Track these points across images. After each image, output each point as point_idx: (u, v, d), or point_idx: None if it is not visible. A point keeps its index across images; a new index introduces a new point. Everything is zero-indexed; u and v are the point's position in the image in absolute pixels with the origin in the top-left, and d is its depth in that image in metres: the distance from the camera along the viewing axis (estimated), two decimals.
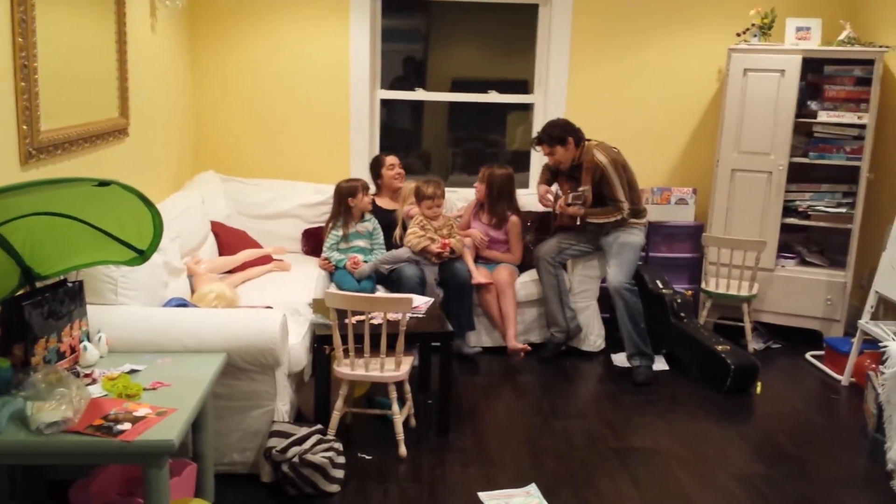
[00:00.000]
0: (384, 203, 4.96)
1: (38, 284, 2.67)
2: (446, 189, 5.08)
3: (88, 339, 2.82)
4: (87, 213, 2.61)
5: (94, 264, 2.91)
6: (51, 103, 3.10)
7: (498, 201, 4.86)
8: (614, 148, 4.59)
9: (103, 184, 2.39)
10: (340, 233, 4.66)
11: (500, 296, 4.66)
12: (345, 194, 4.66)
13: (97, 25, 3.63)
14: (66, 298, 2.70)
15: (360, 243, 4.67)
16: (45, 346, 2.60)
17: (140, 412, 2.40)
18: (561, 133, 4.53)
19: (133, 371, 2.74)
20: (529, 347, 4.66)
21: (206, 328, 3.03)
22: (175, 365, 2.81)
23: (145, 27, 4.29)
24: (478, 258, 4.84)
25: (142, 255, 2.85)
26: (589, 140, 4.61)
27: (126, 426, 2.31)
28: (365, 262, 4.57)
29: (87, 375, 2.67)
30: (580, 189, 4.49)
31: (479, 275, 4.63)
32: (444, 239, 4.55)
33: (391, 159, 4.99)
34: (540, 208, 5.05)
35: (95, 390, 2.55)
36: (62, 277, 2.76)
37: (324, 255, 4.68)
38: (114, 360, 2.81)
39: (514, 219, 4.91)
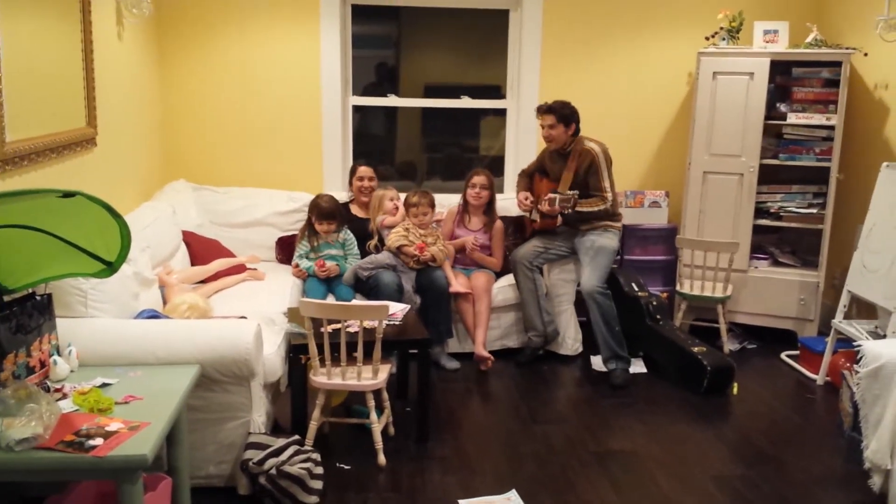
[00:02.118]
0: (357, 211, 4.93)
1: (6, 298, 2.61)
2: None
3: (58, 353, 2.77)
4: (53, 225, 2.56)
5: (63, 277, 2.86)
6: (16, 114, 3.04)
7: (493, 203, 4.91)
8: (604, 143, 4.63)
9: (68, 195, 2.35)
10: (308, 246, 4.64)
11: (476, 302, 4.64)
12: (310, 211, 4.67)
13: (62, 34, 3.57)
14: (34, 312, 2.65)
15: (332, 252, 4.64)
16: (14, 362, 2.54)
17: (112, 427, 2.36)
18: (570, 114, 4.56)
19: (105, 385, 2.69)
20: (493, 359, 4.62)
21: (178, 340, 2.98)
22: (147, 378, 2.77)
23: (112, 35, 4.23)
24: (456, 263, 4.83)
25: (110, 267, 2.79)
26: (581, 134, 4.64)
27: (98, 441, 2.27)
28: (337, 265, 4.55)
29: (57, 390, 2.62)
30: (568, 192, 4.48)
31: (458, 284, 4.61)
32: (423, 244, 4.53)
33: (363, 171, 4.91)
34: (515, 212, 5.07)
35: (66, 405, 2.50)
36: (30, 291, 2.70)
37: (294, 261, 4.67)
38: (85, 374, 2.76)
39: (499, 222, 4.93)
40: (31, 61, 3.22)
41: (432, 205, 4.65)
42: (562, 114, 4.56)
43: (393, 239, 4.55)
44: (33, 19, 3.27)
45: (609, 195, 4.53)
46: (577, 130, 4.60)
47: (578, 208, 4.52)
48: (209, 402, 3.07)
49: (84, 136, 3.79)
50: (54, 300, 2.79)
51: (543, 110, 4.62)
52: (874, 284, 4.15)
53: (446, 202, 5.04)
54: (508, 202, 5.18)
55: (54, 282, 2.87)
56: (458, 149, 5.96)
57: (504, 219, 5.05)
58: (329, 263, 4.54)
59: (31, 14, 3.25)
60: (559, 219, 4.65)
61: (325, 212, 4.59)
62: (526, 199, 4.80)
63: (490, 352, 4.64)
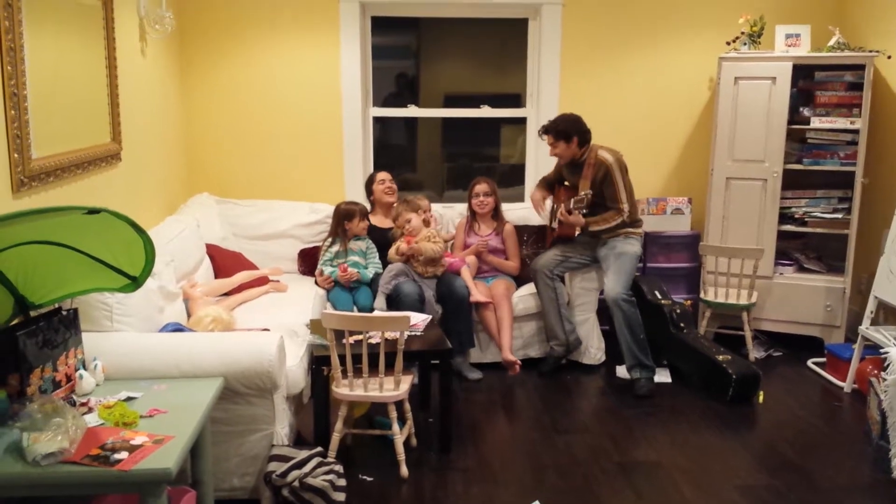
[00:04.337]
0: (378, 221, 4.95)
1: (33, 313, 2.65)
2: (442, 205, 5.20)
3: (84, 368, 2.80)
4: (79, 241, 2.60)
5: (88, 292, 2.89)
6: (41, 131, 3.10)
7: (499, 208, 4.98)
8: (617, 150, 4.61)
9: (93, 211, 2.39)
10: (335, 249, 4.70)
11: (497, 308, 4.65)
12: (342, 216, 4.72)
13: (87, 52, 3.63)
14: (60, 327, 2.69)
15: (355, 259, 4.69)
16: (41, 376, 2.58)
17: (137, 440, 2.38)
18: (567, 129, 4.55)
19: (129, 398, 2.72)
20: (520, 364, 4.62)
21: (202, 352, 3.01)
22: (172, 391, 2.79)
23: (135, 52, 4.29)
24: (478, 273, 4.84)
25: (135, 282, 2.83)
26: (594, 143, 4.63)
27: (123, 455, 2.29)
28: (358, 272, 4.60)
29: (83, 404, 2.65)
30: (582, 193, 4.48)
31: (478, 293, 4.61)
32: (409, 237, 4.59)
33: (382, 175, 5.02)
34: (536, 221, 5.08)
35: (92, 419, 2.53)
36: (56, 306, 2.74)
37: (318, 268, 4.71)
38: (110, 388, 2.79)
39: (509, 225, 4.96)
40: (56, 78, 3.28)
41: (415, 209, 4.70)
42: (557, 130, 4.57)
43: (391, 253, 4.65)
44: (58, 37, 3.32)
45: (625, 207, 4.51)
46: (584, 141, 4.58)
47: (595, 227, 4.52)
48: (232, 415, 3.09)
49: (109, 152, 3.84)
50: (80, 315, 2.83)
51: (541, 131, 4.66)
52: None
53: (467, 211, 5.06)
54: (530, 211, 5.19)
55: (80, 297, 2.90)
56: (479, 158, 5.97)
57: (525, 228, 5.07)
58: (351, 269, 4.58)
59: (56, 32, 3.30)
60: (577, 228, 4.64)
61: (354, 211, 4.70)
62: (543, 198, 4.85)
63: None
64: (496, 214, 4.98)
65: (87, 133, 3.62)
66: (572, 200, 4.49)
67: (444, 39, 5.85)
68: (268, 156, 5.34)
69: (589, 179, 4.53)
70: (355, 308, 4.52)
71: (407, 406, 3.61)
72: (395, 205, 4.86)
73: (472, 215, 5.00)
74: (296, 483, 2.99)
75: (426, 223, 4.74)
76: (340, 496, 3.13)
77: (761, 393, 4.37)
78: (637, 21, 5.34)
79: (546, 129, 4.63)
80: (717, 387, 4.31)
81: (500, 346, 4.65)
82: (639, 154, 5.25)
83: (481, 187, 4.92)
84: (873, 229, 4.89)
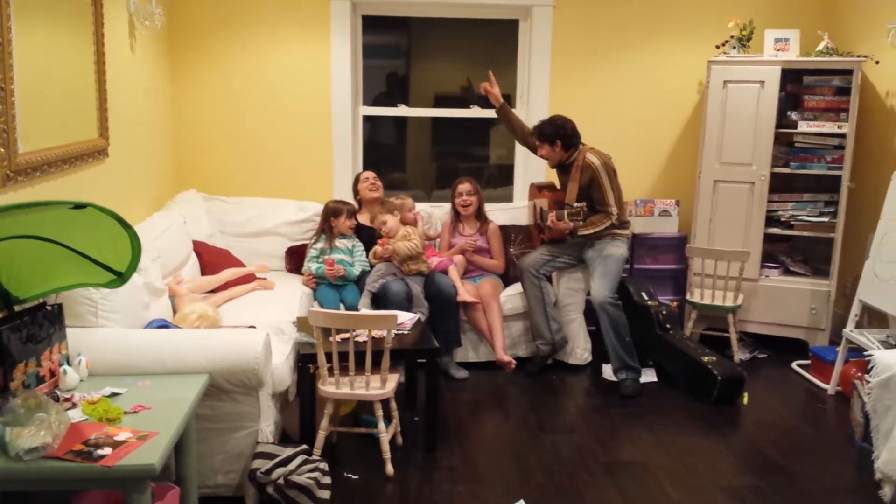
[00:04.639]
0: (366, 220, 4.95)
1: (17, 308, 2.64)
2: (430, 205, 5.19)
3: (68, 363, 2.79)
4: (64, 236, 2.59)
5: (73, 287, 2.88)
6: (28, 125, 3.08)
7: (482, 208, 5.00)
8: (607, 154, 4.61)
9: (79, 206, 2.38)
10: (320, 246, 4.72)
11: (486, 308, 4.66)
12: (329, 213, 4.76)
13: (75, 46, 3.61)
14: (45, 322, 2.67)
15: (341, 256, 4.70)
16: (24, 371, 2.56)
17: (121, 436, 2.37)
18: (552, 133, 4.58)
19: (114, 394, 2.71)
20: (515, 363, 4.64)
21: (187, 349, 3.00)
22: (156, 387, 2.78)
23: (124, 47, 4.27)
24: (465, 273, 4.85)
25: (120, 277, 2.82)
26: (584, 144, 4.64)
27: (106, 451, 2.28)
28: (344, 269, 4.62)
29: (66, 400, 2.64)
30: (577, 205, 4.48)
31: (466, 293, 4.62)
32: (385, 240, 4.63)
33: (366, 174, 5.04)
34: (523, 222, 5.10)
35: (75, 415, 2.52)
36: (41, 301, 2.73)
37: (304, 267, 4.72)
38: (94, 384, 2.78)
39: (493, 224, 4.98)
40: (44, 73, 3.26)
41: (390, 211, 4.72)
42: (542, 134, 4.62)
43: (371, 259, 4.68)
44: (47, 32, 3.30)
45: (614, 209, 4.51)
46: (570, 145, 4.59)
47: (583, 231, 4.52)
48: (217, 412, 3.08)
49: (96, 148, 3.83)
50: (65, 310, 2.82)
51: (531, 132, 4.72)
52: (886, 294, 4.13)
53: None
54: (518, 212, 5.21)
55: (65, 292, 2.89)
56: (468, 157, 5.97)
57: (514, 228, 5.08)
58: (336, 266, 4.59)
59: (45, 27, 3.28)
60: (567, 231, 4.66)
61: (341, 209, 4.76)
62: (514, 116, 4.95)
63: None
64: (479, 214, 4.99)
65: (74, 128, 3.60)
66: (566, 213, 4.48)
67: (434, 39, 5.86)
68: (256, 153, 5.33)
69: (577, 182, 4.55)
70: (342, 306, 4.52)
71: (393, 404, 3.62)
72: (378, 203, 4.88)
73: (456, 215, 5.01)
74: (280, 480, 2.99)
75: (406, 222, 4.75)
76: (325, 494, 3.13)
77: (746, 394, 4.39)
78: (628, 23, 5.36)
79: (533, 131, 4.68)
80: (703, 388, 4.32)
81: (493, 347, 4.66)
82: (627, 156, 5.26)
83: (464, 187, 4.94)
84: (859, 233, 4.93)
